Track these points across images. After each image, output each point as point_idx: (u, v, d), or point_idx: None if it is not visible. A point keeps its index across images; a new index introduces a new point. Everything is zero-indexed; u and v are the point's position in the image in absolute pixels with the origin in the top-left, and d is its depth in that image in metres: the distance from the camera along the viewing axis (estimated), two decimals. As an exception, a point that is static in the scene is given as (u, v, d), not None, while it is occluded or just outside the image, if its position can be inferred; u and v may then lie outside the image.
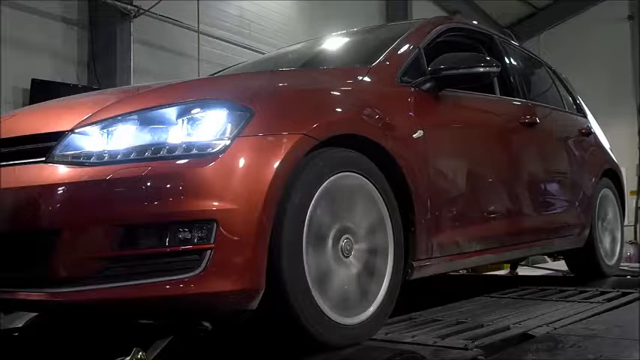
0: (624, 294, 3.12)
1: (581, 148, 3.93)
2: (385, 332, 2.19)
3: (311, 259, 1.93)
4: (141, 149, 1.81)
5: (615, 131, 7.90)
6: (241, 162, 1.79)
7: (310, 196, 1.95)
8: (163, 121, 1.86)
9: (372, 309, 2.13)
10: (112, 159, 1.80)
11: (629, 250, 9.59)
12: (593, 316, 2.58)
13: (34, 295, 1.78)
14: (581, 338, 2.12)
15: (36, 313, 2.71)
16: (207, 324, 1.96)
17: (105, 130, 1.86)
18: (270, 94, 2.09)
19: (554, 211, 3.51)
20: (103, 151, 1.82)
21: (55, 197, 1.76)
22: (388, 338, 2.12)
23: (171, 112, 1.87)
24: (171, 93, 2.04)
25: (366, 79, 2.49)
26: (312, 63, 3.22)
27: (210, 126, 1.84)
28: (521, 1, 13.83)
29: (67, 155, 1.83)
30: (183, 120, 1.85)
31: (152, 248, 1.73)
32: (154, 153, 1.80)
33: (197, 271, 1.71)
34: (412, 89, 2.56)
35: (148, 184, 1.74)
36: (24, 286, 1.80)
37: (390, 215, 2.25)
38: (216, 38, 8.20)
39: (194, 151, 1.79)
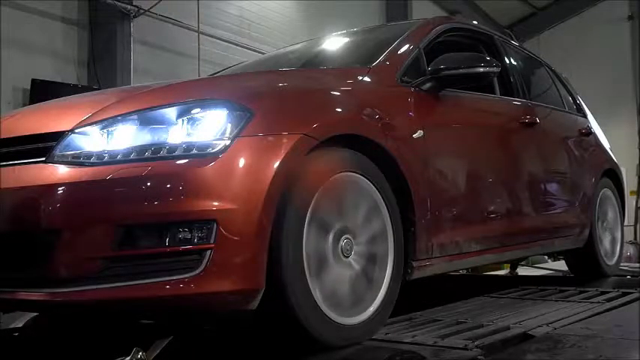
0: (624, 294, 3.12)
1: (581, 148, 3.93)
2: (385, 332, 2.19)
3: (311, 259, 1.93)
4: (141, 149, 1.81)
5: (615, 131, 7.90)
6: (241, 162, 1.79)
7: (310, 196, 1.95)
8: (163, 121, 1.86)
9: (372, 309, 2.13)
10: (112, 159, 1.80)
11: (629, 250, 9.57)
12: (593, 316, 2.58)
13: (34, 295, 1.78)
14: (581, 338, 2.12)
15: (36, 313, 2.71)
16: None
17: (105, 130, 1.86)
18: (270, 94, 2.09)
19: (554, 211, 3.51)
20: (103, 151, 1.82)
21: (55, 197, 1.76)
22: (388, 338, 2.12)
23: (171, 112, 1.87)
24: (171, 93, 2.04)
25: (366, 79, 2.49)
26: (312, 63, 3.22)
27: (210, 126, 1.84)
28: (521, 1, 13.83)
29: (67, 155, 1.83)
30: (183, 120, 1.85)
31: (152, 248, 1.73)
32: (154, 153, 1.80)
33: (197, 271, 1.71)
34: (412, 89, 2.56)
35: (148, 184, 1.74)
36: (24, 286, 1.80)
37: (389, 215, 2.24)
38: (216, 38, 8.20)
39: (194, 151, 1.79)
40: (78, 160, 1.82)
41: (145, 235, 1.73)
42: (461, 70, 2.60)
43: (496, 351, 2.02)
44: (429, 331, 2.24)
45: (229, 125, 1.84)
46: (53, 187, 1.77)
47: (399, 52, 2.70)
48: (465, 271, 5.13)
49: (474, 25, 3.55)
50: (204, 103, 1.90)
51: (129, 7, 7.03)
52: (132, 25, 7.08)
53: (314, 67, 3.14)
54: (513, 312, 2.64)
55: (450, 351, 1.94)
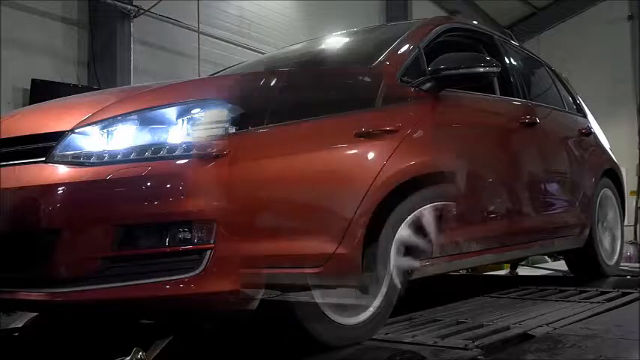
0: (624, 294, 3.12)
1: (581, 148, 3.92)
2: (385, 332, 2.19)
3: (311, 259, 1.93)
4: (141, 149, 1.80)
5: (615, 131, 7.89)
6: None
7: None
8: (163, 121, 1.86)
9: (372, 309, 2.13)
10: (112, 159, 1.80)
11: (629, 250, 9.56)
12: (593, 316, 2.58)
13: (34, 295, 1.78)
14: (581, 338, 2.12)
15: (36, 313, 2.71)
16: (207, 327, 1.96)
17: (105, 130, 1.85)
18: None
19: (555, 211, 3.51)
20: (103, 151, 1.82)
21: (55, 197, 1.76)
22: (388, 338, 2.13)
23: (171, 112, 1.87)
24: (171, 93, 2.04)
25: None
26: (312, 63, 3.22)
27: (210, 126, 1.84)
28: (521, 1, 13.83)
29: (67, 155, 1.83)
30: (183, 120, 1.85)
31: (152, 248, 1.73)
32: (154, 153, 1.79)
33: (197, 271, 1.71)
34: (412, 89, 2.56)
35: (148, 184, 1.74)
36: (24, 286, 1.80)
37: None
38: (216, 38, 8.20)
39: (194, 151, 1.79)
40: (78, 160, 1.82)
41: (144, 235, 1.73)
42: (461, 70, 2.59)
43: (496, 351, 2.03)
44: (429, 331, 2.24)
45: (229, 125, 1.84)
46: (53, 187, 1.76)
47: (399, 52, 2.70)
48: (465, 271, 5.13)
49: (474, 25, 3.55)
50: (204, 103, 1.90)
51: (129, 7, 7.03)
52: (132, 25, 7.08)
53: (314, 67, 3.13)
54: (513, 312, 2.65)
55: (450, 351, 1.95)
